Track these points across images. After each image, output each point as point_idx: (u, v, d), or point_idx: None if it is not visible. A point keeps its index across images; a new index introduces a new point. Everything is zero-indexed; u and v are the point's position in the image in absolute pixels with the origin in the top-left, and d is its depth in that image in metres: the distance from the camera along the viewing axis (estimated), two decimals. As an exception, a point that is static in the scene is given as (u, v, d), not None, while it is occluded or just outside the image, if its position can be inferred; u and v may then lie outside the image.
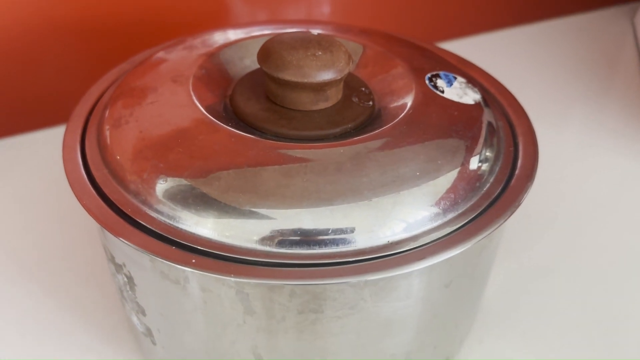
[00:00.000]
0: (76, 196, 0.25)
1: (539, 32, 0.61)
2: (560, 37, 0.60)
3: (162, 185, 0.24)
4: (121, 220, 0.24)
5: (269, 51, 0.27)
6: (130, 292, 0.27)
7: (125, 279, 0.27)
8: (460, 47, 0.57)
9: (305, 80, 0.26)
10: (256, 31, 0.34)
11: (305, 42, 0.27)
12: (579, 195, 0.42)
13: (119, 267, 0.27)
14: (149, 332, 0.28)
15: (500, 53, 0.57)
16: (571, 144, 0.47)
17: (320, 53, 0.26)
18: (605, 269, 0.37)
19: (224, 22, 0.49)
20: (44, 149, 0.45)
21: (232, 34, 0.33)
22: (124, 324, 0.33)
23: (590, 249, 0.39)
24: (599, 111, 0.50)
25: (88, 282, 0.36)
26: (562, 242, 0.39)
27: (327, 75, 0.26)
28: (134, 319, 0.29)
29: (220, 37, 0.33)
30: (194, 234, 0.23)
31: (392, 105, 0.28)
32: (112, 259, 0.27)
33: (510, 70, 0.54)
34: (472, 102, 0.29)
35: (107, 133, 0.27)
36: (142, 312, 0.27)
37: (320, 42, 0.27)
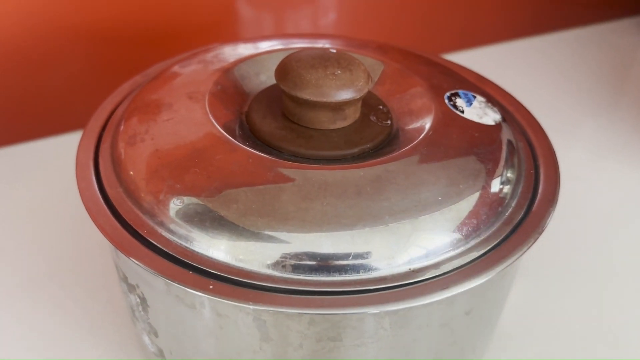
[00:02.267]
0: (90, 216, 0.24)
1: (549, 44, 0.60)
2: (570, 49, 0.59)
3: (178, 207, 0.24)
4: (136, 242, 0.23)
5: (287, 69, 0.26)
6: (142, 312, 0.26)
7: (138, 300, 0.26)
8: (471, 57, 0.57)
9: (324, 100, 0.26)
10: (269, 45, 0.33)
11: (324, 61, 0.26)
12: (592, 211, 0.42)
13: (131, 288, 0.26)
14: (160, 353, 0.28)
15: (509, 64, 0.56)
16: (583, 156, 0.47)
17: (339, 72, 0.26)
18: (623, 286, 0.37)
19: (235, 33, 0.49)
20: (56, 156, 0.44)
21: (246, 48, 0.33)
22: (134, 341, 0.33)
23: (607, 264, 0.38)
24: (610, 124, 0.50)
25: (98, 296, 0.35)
26: (577, 258, 0.38)
27: (346, 95, 0.26)
28: (146, 338, 0.28)
29: (235, 51, 0.32)
30: (210, 257, 0.23)
31: (411, 126, 0.28)
32: (124, 278, 0.27)
33: (520, 81, 0.53)
34: (492, 123, 0.28)
35: (122, 150, 0.26)
36: (154, 333, 0.27)
37: (339, 61, 0.26)
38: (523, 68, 0.56)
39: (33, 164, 0.44)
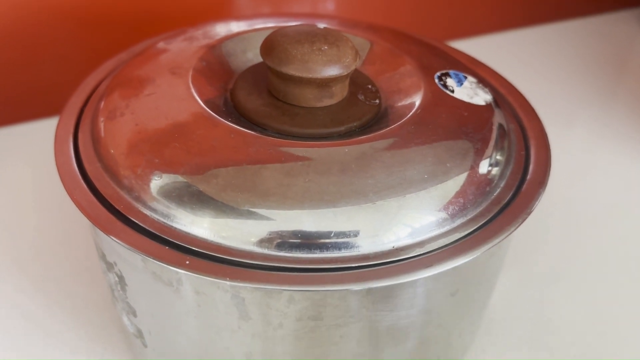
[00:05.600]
0: (67, 190, 0.24)
1: (547, 34, 0.59)
2: (569, 39, 0.59)
3: (156, 182, 0.23)
4: (113, 218, 0.23)
5: (272, 44, 0.26)
6: (121, 291, 0.26)
7: (116, 278, 0.25)
8: (468, 46, 0.56)
9: (310, 76, 0.25)
10: (260, 24, 0.33)
11: (310, 36, 0.26)
12: (586, 198, 0.41)
13: (110, 266, 0.25)
14: (139, 334, 0.27)
15: (508, 53, 0.56)
16: (578, 146, 0.47)
17: (326, 48, 0.25)
18: (613, 274, 0.36)
19: (227, 13, 0.48)
20: (39, 139, 0.43)
21: (235, 26, 0.32)
22: (115, 322, 0.32)
23: (597, 253, 0.37)
24: (606, 114, 0.50)
25: (80, 277, 0.34)
26: (568, 246, 0.38)
27: (332, 71, 0.25)
28: (125, 319, 0.27)
29: (223, 29, 0.31)
30: (188, 233, 0.22)
31: (399, 104, 0.27)
32: (103, 256, 0.26)
33: (518, 70, 0.52)
34: (483, 103, 0.27)
35: (102, 125, 0.26)
36: (133, 313, 0.26)
37: (326, 37, 0.26)
38: (518, 59, 0.55)
39: (16, 146, 0.43)
